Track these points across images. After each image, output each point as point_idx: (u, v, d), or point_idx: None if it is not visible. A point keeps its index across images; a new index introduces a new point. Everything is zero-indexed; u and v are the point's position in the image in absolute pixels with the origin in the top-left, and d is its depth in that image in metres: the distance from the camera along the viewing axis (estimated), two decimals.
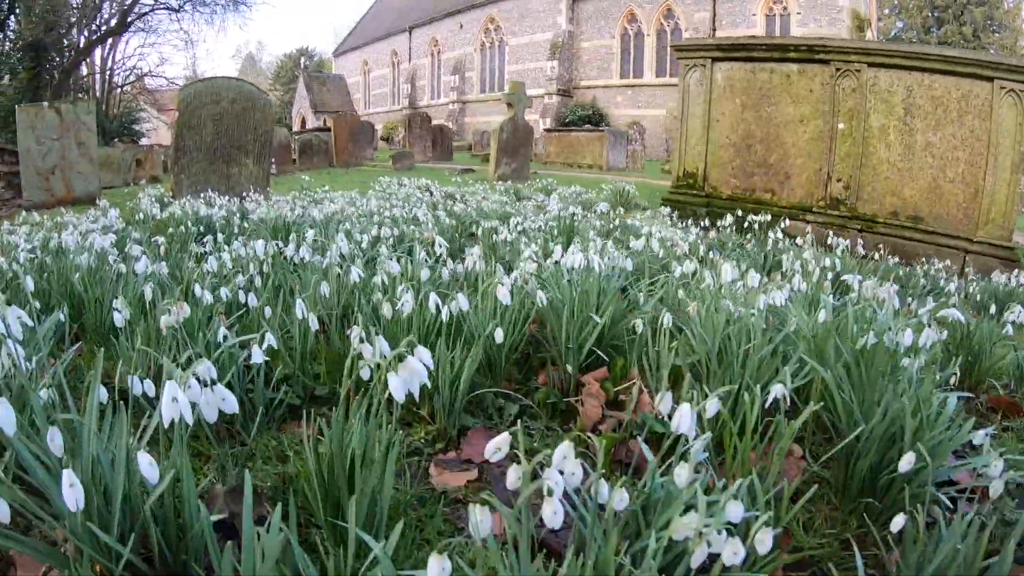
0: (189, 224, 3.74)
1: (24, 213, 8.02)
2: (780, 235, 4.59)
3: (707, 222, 6.07)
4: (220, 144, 6.96)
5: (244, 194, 6.71)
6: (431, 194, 7.58)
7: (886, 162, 6.25)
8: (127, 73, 28.04)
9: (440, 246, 2.38)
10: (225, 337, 1.57)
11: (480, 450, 1.45)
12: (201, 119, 6.77)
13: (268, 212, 4.25)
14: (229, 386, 1.32)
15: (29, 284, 1.68)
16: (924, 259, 5.37)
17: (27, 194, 8.28)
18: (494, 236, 3.32)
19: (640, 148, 20.25)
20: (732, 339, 1.85)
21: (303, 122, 37.39)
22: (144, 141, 26.13)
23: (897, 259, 5.21)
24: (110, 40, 25.03)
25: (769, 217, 5.36)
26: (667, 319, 1.82)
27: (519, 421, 1.65)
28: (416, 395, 1.05)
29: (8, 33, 21.13)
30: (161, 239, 2.72)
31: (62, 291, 2.33)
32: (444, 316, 1.68)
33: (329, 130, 18.36)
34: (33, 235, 3.28)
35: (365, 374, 1.17)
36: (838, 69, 6.31)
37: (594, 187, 10.84)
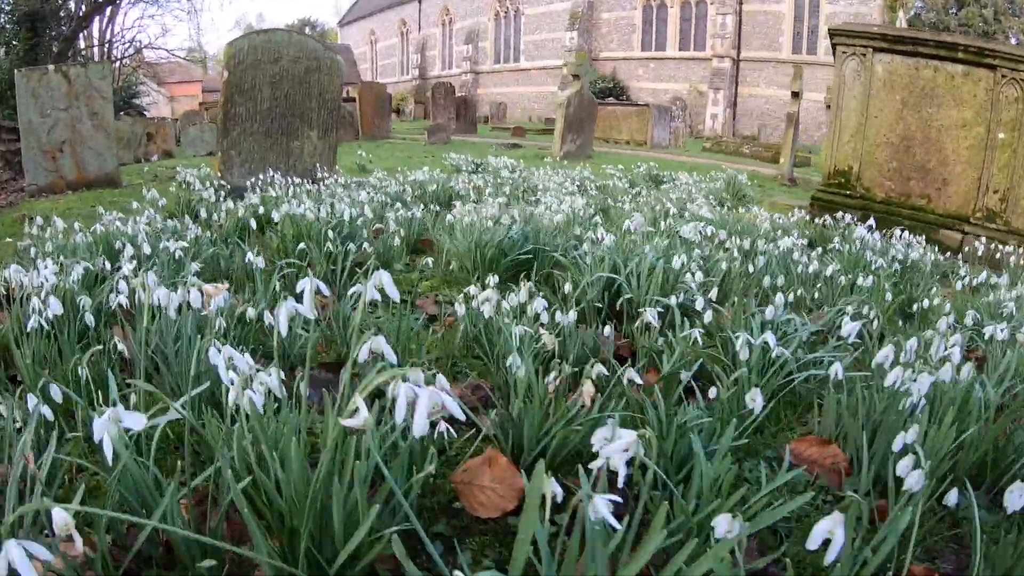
0: (330, 234, 2.16)
1: (28, 204, 6.43)
2: None
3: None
4: (279, 112, 5.34)
5: (318, 175, 5.13)
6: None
7: None
8: (126, 45, 25.98)
9: None
10: None
11: None
12: (256, 82, 5.14)
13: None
14: None
15: None
16: None
17: (30, 177, 6.62)
18: None
19: (681, 125, 18.62)
20: None
21: None
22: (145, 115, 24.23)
23: None
24: (109, 10, 22.93)
25: None
26: None
27: None
28: None
29: (2, 3, 19.08)
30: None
31: None
32: None
33: (351, 100, 16.59)
34: (64, 279, 1.65)
35: None
36: (1004, 76, 5.74)
37: (684, 171, 9.29)
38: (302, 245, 2.14)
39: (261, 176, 4.91)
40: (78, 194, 6.28)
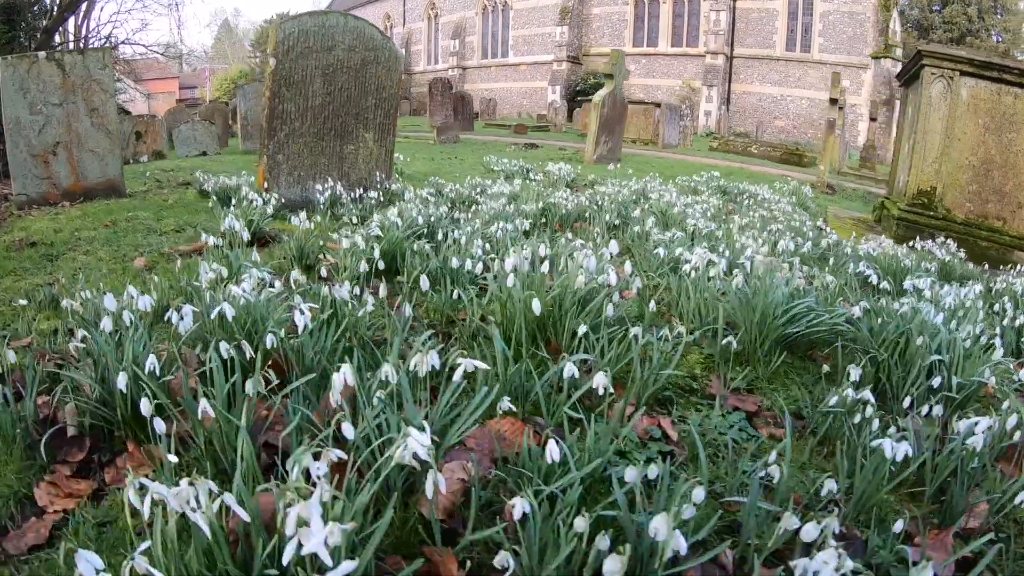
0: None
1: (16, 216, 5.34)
2: None
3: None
4: (332, 111, 4.38)
5: (384, 185, 4.19)
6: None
7: None
8: (103, 41, 24.39)
9: None
10: None
11: None
12: (307, 72, 4.17)
13: None
14: None
15: None
16: None
17: (18, 186, 5.52)
18: None
19: (690, 123, 17.87)
20: None
21: None
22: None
23: None
24: (84, 5, 21.36)
25: None
26: None
27: None
28: None
29: None
30: None
31: None
32: None
33: None
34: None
35: None
36: None
37: (735, 178, 8.50)
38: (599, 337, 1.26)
39: (319, 186, 3.96)
40: (79, 206, 5.23)
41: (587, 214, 3.70)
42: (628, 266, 2.26)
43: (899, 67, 23.61)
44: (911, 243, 5.07)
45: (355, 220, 3.45)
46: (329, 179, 4.24)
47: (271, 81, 4.06)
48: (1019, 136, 6.21)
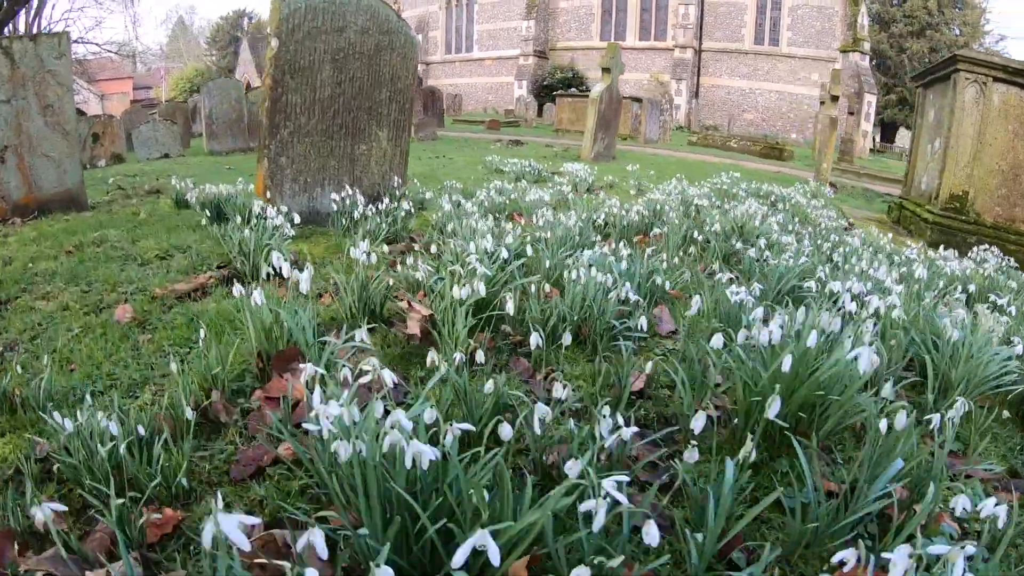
0: None
1: None
2: None
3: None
4: (342, 104, 3.66)
5: (395, 191, 3.49)
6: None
7: None
8: None
9: None
10: None
11: None
12: (314, 58, 3.45)
13: None
14: None
15: None
16: None
17: None
18: None
19: (669, 118, 17.41)
20: None
21: (247, 86, 32.46)
22: None
23: None
24: (36, 1, 19.84)
25: None
26: None
27: None
28: None
29: None
30: None
31: None
32: None
33: None
34: None
35: None
36: None
37: (745, 177, 8.01)
38: None
39: (335, 195, 3.25)
40: (33, 223, 4.39)
41: (663, 228, 3.08)
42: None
43: (867, 60, 23.68)
44: (969, 254, 4.73)
45: (421, 249, 2.75)
46: (345, 185, 3.53)
47: (272, 67, 3.32)
48: None
